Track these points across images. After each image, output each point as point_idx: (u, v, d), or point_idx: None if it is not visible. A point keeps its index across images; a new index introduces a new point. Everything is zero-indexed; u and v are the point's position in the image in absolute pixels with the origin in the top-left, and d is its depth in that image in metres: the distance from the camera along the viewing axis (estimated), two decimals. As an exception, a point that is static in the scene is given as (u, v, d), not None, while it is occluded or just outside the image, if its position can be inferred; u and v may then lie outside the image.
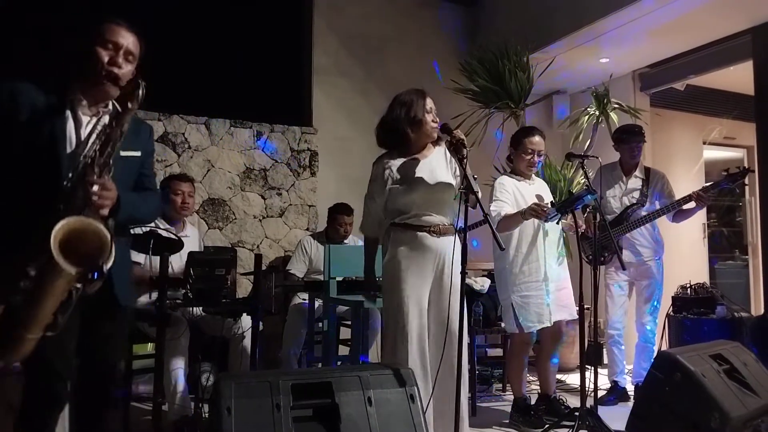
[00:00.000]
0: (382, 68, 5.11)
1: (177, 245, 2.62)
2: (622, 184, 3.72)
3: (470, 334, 3.52)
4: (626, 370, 3.74)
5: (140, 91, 1.67)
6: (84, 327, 1.72)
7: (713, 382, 2.33)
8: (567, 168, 4.58)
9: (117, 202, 1.65)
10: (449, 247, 2.48)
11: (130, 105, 1.66)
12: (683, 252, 5.09)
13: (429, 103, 2.51)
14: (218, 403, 1.70)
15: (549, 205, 2.92)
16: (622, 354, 3.69)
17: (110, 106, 1.76)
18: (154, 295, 2.70)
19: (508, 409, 3.26)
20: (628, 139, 3.71)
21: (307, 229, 4.80)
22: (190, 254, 2.91)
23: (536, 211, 2.84)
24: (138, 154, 1.87)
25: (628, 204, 3.66)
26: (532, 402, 3.22)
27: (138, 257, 2.78)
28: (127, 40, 1.76)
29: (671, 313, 3.83)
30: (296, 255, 4.25)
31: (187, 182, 3.52)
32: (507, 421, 3.21)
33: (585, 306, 3.05)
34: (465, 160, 2.26)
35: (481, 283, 3.68)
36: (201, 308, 3.04)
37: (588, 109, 4.55)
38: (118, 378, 2.04)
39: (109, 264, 1.55)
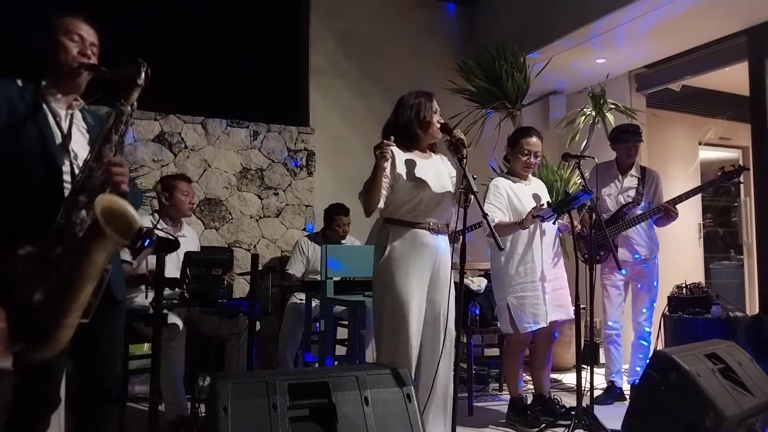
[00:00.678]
0: (378, 68, 5.11)
1: (173, 245, 2.62)
2: (618, 183, 3.73)
3: (467, 334, 3.53)
4: (623, 370, 3.75)
5: (143, 69, 1.67)
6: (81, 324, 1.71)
7: (708, 381, 2.34)
8: (563, 168, 4.59)
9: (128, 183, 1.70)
10: (445, 245, 2.51)
11: (138, 81, 1.66)
12: (679, 252, 5.10)
13: (435, 105, 2.54)
14: (215, 404, 1.70)
15: (546, 205, 2.93)
16: (619, 354, 3.70)
17: (80, 100, 1.79)
18: (151, 295, 2.69)
19: (505, 408, 3.27)
20: (626, 138, 3.72)
21: (304, 229, 4.80)
22: (187, 254, 2.90)
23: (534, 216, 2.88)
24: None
25: (624, 203, 3.67)
26: (529, 402, 3.23)
27: (127, 256, 2.76)
28: (89, 32, 1.78)
29: (667, 313, 3.85)
30: (294, 256, 4.25)
31: (190, 183, 3.53)
32: (503, 421, 3.21)
33: (581, 306, 3.06)
34: (464, 160, 2.27)
35: (478, 283, 3.68)
36: (198, 308, 3.04)
37: (584, 109, 4.56)
38: (119, 375, 2.03)
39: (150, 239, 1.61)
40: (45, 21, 1.77)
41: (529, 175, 3.26)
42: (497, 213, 3.03)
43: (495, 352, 4.19)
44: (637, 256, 3.61)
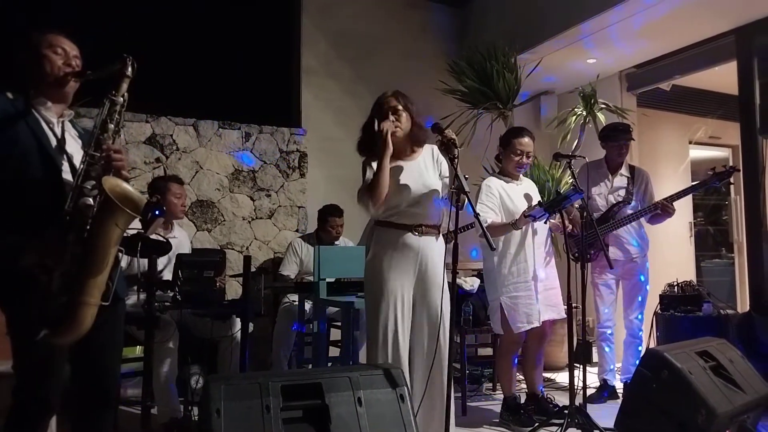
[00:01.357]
0: (370, 69, 5.11)
1: (165, 247, 2.61)
2: (608, 182, 3.74)
3: (460, 334, 3.54)
4: (616, 368, 3.77)
5: (129, 61, 1.71)
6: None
7: (700, 378, 2.35)
8: (555, 168, 4.61)
9: None
10: (431, 246, 2.49)
11: (127, 72, 1.71)
12: (670, 250, 5.13)
13: (393, 101, 2.50)
14: (207, 406, 1.69)
15: (537, 205, 2.94)
16: (612, 352, 3.71)
17: (70, 111, 1.85)
18: (143, 297, 2.68)
19: (498, 408, 3.27)
20: (616, 136, 3.73)
21: (297, 231, 4.79)
22: (179, 256, 2.90)
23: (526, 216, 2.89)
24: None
25: (614, 202, 3.68)
26: (522, 401, 3.24)
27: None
28: (71, 46, 1.83)
29: (659, 311, 3.87)
30: (287, 257, 4.24)
31: (182, 184, 3.52)
32: (497, 421, 3.22)
33: (573, 305, 3.07)
34: (456, 160, 2.27)
35: (471, 283, 3.69)
36: (190, 310, 3.03)
37: (575, 109, 4.58)
38: (119, 375, 2.02)
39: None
40: (26, 38, 1.81)
41: (521, 175, 3.27)
42: (490, 213, 3.04)
43: (488, 351, 4.20)
44: (627, 254, 3.63)
